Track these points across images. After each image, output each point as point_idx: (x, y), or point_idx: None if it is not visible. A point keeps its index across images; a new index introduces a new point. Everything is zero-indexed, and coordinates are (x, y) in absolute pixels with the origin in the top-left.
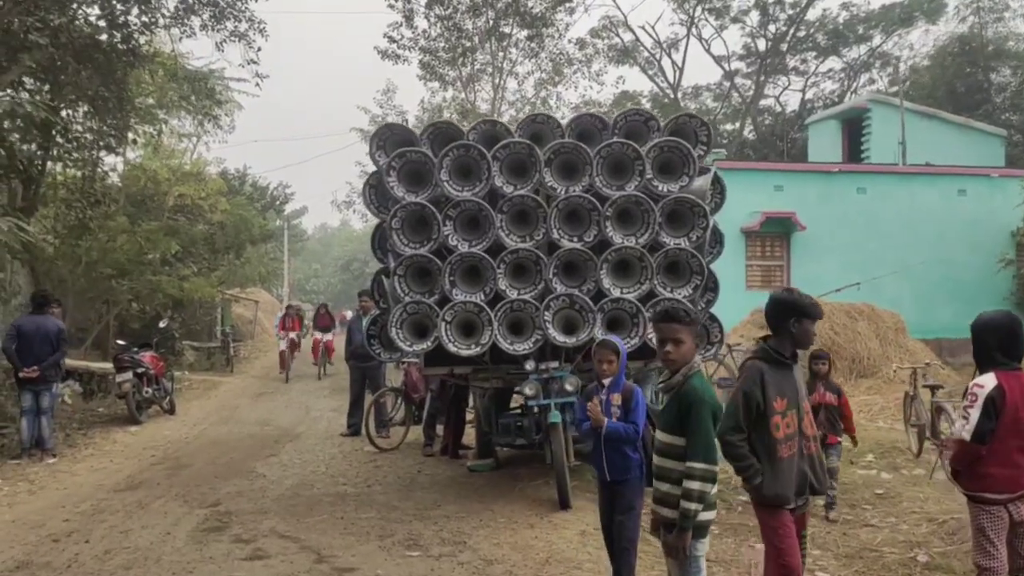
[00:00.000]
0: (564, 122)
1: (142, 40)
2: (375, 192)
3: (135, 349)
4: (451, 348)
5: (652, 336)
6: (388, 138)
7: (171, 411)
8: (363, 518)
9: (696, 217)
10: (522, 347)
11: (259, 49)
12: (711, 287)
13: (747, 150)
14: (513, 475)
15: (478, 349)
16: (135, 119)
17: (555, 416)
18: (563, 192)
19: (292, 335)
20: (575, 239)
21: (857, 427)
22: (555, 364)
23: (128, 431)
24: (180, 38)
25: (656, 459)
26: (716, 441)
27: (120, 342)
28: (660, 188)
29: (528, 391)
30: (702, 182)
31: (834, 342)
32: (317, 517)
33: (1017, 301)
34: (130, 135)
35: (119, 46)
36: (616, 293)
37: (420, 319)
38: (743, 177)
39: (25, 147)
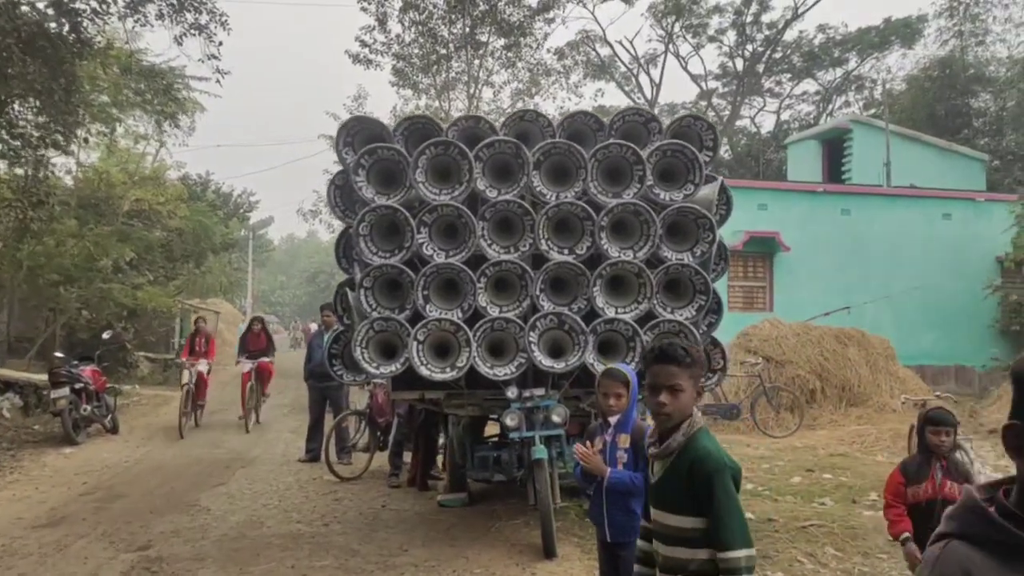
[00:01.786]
0: (556, 121)
1: (92, 30)
2: (341, 193)
3: (75, 362)
4: (423, 371)
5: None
6: (357, 133)
7: (114, 430)
8: (318, 567)
9: (701, 230)
10: (503, 371)
11: (220, 43)
12: (714, 308)
13: (723, 170)
14: (488, 512)
15: (454, 373)
16: (87, 117)
17: (540, 451)
18: (553, 198)
19: (200, 365)
20: (565, 251)
21: (855, 461)
22: (540, 391)
23: (62, 453)
24: (134, 27)
25: (661, 548)
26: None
27: (58, 355)
28: (662, 196)
29: (509, 421)
30: (708, 191)
31: (824, 368)
32: (264, 565)
33: (1002, 329)
34: (81, 133)
35: (68, 35)
36: (610, 313)
37: (388, 338)
38: None
39: None
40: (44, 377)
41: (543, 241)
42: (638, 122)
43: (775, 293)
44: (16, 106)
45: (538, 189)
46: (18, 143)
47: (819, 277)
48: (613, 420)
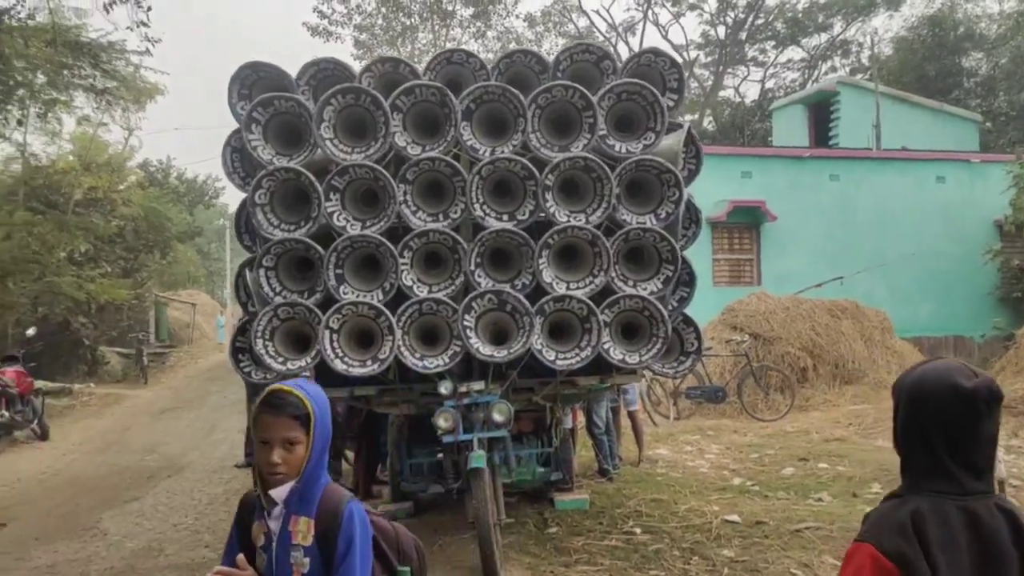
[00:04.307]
0: (490, 62)
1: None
2: (240, 157)
3: None
4: (337, 366)
5: (609, 345)
6: (255, 83)
7: (43, 436)
8: None
9: (665, 188)
10: (435, 363)
11: (149, 9)
12: (685, 280)
13: (707, 141)
14: (435, 525)
15: (375, 366)
16: (26, 97)
17: (477, 459)
18: (487, 154)
19: None
20: (504, 217)
21: (853, 446)
22: (479, 385)
23: None
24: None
25: None
26: None
27: None
28: (617, 149)
29: (442, 422)
30: (672, 141)
31: (816, 344)
32: None
33: (1002, 296)
34: (14, 113)
35: None
36: (561, 289)
37: (298, 326)
38: (708, 163)
39: None
40: None
41: (477, 206)
42: (588, 62)
43: (762, 265)
44: None
45: (469, 143)
46: None
47: (808, 247)
48: (280, 492)
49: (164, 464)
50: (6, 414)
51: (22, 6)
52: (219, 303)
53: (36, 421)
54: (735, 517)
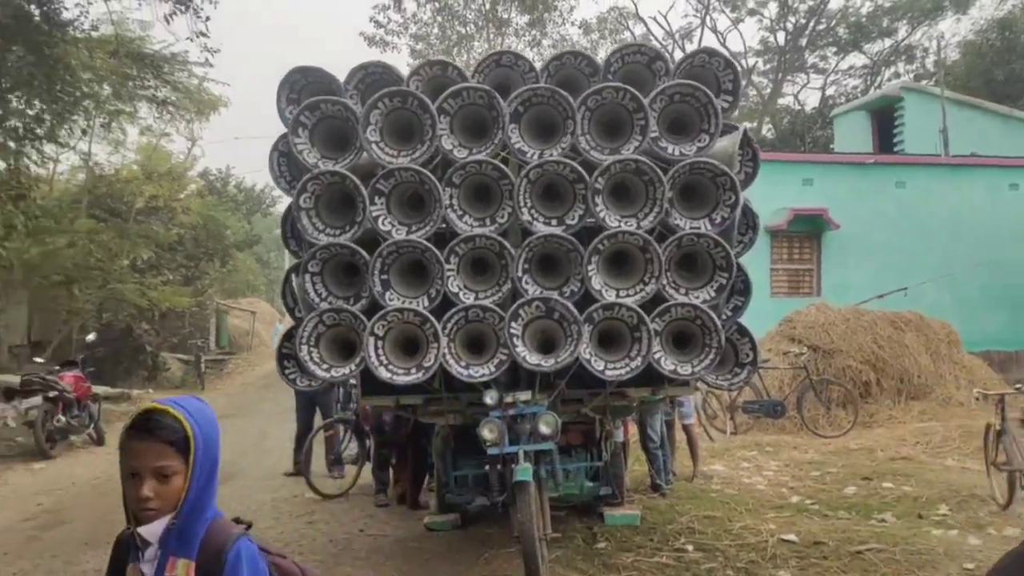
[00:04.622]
0: (539, 65)
1: (74, 11)
2: (287, 161)
3: (56, 367)
4: (382, 374)
5: (660, 355)
6: (304, 88)
7: (99, 441)
8: None
9: (721, 191)
10: (480, 372)
11: (207, 19)
12: (740, 288)
13: (766, 148)
14: (481, 538)
15: (420, 375)
16: (92, 107)
17: (523, 471)
18: (536, 157)
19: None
20: (553, 222)
21: (920, 466)
22: (526, 395)
23: (30, 468)
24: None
25: None
26: None
27: (38, 359)
28: (670, 151)
29: (487, 433)
30: (727, 143)
31: (878, 357)
32: None
33: None
34: (79, 123)
35: (50, 18)
36: (610, 297)
37: (343, 333)
38: (768, 170)
39: None
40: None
41: (525, 210)
42: (640, 63)
43: (823, 275)
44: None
45: (517, 146)
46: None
47: (872, 257)
48: (152, 529)
49: None
50: (63, 418)
51: (85, 17)
52: (278, 311)
53: (92, 426)
54: (792, 536)
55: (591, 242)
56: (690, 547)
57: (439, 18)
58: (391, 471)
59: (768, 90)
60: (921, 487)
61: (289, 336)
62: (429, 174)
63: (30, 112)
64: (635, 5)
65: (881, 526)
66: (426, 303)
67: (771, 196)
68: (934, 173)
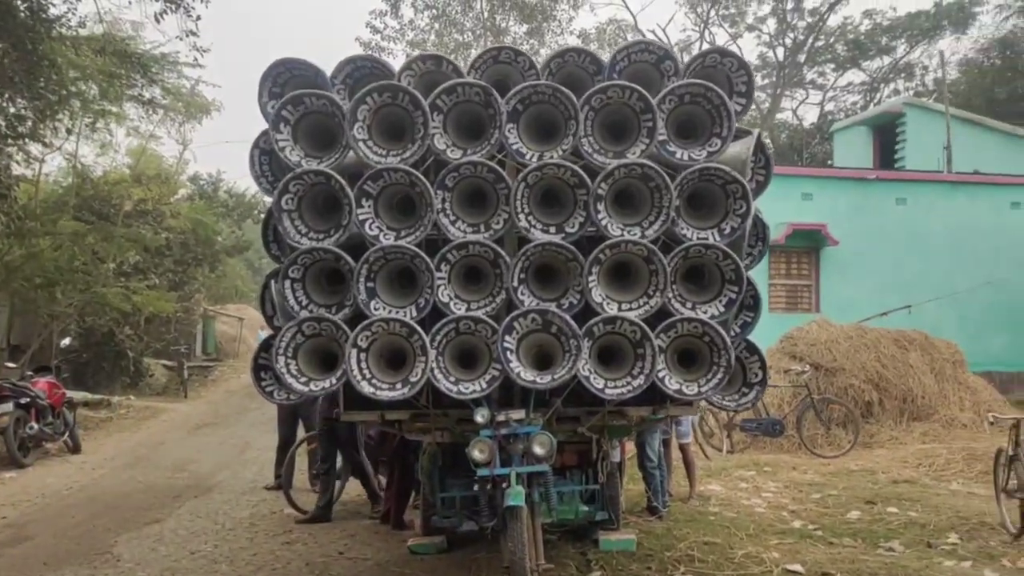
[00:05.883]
0: (540, 62)
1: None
2: (269, 160)
3: (28, 373)
4: (364, 388)
5: (664, 373)
6: (288, 81)
7: (74, 449)
8: None
9: (731, 200)
10: (471, 388)
11: (198, 18)
12: (749, 304)
13: None
14: (468, 564)
15: (405, 390)
16: (77, 107)
17: (515, 496)
18: (535, 159)
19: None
20: (552, 229)
21: (924, 489)
22: (519, 414)
23: (2, 478)
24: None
25: None
26: None
27: (10, 364)
28: (679, 156)
29: (477, 454)
30: (740, 148)
31: (882, 376)
32: None
33: None
34: (64, 122)
35: (37, 13)
36: (612, 310)
37: (324, 344)
38: None
39: None
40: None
41: (522, 216)
42: (648, 62)
43: (822, 292)
44: None
45: (515, 148)
46: None
47: (872, 274)
48: None
49: (192, 483)
50: (36, 426)
51: (73, 14)
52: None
53: (68, 433)
54: (798, 567)
55: (592, 252)
56: None
57: (436, 25)
58: (377, 479)
59: (767, 105)
60: (928, 513)
61: (267, 346)
62: (420, 176)
63: (11, 109)
64: (634, 18)
65: (890, 555)
66: (414, 313)
67: (769, 210)
68: (936, 190)
